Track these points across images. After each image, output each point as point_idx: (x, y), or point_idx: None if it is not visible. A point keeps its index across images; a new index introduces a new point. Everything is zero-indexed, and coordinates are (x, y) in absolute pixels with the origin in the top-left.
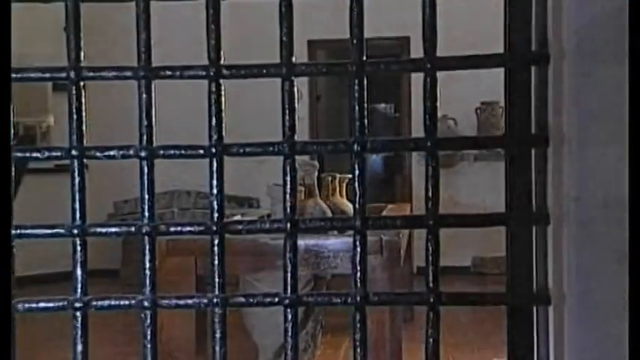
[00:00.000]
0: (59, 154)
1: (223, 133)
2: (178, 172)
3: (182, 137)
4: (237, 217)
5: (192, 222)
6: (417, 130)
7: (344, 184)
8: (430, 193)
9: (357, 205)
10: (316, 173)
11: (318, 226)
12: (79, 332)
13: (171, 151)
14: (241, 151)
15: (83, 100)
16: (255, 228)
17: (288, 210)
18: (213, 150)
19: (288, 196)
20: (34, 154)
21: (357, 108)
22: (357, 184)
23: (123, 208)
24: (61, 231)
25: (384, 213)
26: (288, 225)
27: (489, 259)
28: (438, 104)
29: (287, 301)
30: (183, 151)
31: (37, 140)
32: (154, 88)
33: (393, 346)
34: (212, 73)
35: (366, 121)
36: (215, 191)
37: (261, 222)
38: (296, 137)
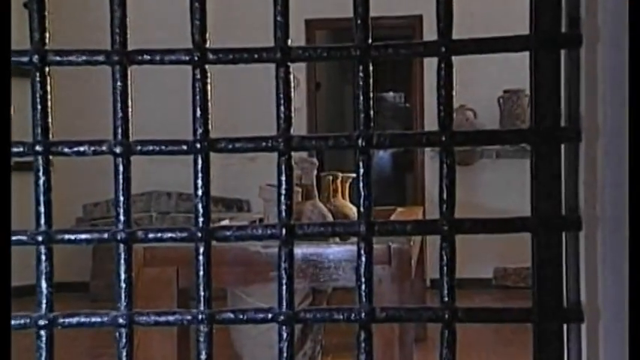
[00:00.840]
0: (21, 149)
1: (209, 127)
2: (157, 171)
3: (162, 131)
4: (225, 222)
5: (174, 227)
6: (431, 123)
7: (347, 185)
8: (445, 195)
9: (361, 208)
10: (315, 172)
11: (318, 232)
12: (44, 354)
13: (150, 147)
14: (230, 146)
15: (49, 88)
16: (245, 234)
17: (283, 214)
18: (198, 145)
19: (283, 198)
20: None
21: (361, 98)
22: (361, 185)
23: (93, 212)
24: (23, 238)
25: (393, 217)
26: (283, 231)
27: (513, 271)
28: (454, 93)
29: (282, 318)
30: (163, 147)
31: None
32: (130, 74)
33: None
34: (196, 58)
35: (372, 112)
36: (200, 192)
37: (253, 228)
38: (292, 131)
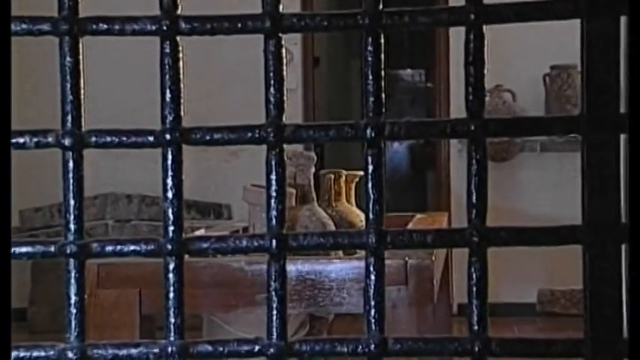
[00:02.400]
0: None
1: (182, 113)
2: (115, 169)
3: (123, 119)
4: (201, 232)
5: (137, 239)
6: (458, 108)
7: (352, 185)
8: (474, 198)
9: (370, 215)
10: (313, 170)
11: (316, 243)
12: None
13: (107, 138)
14: (207, 137)
15: None
16: (226, 247)
17: (274, 221)
18: (168, 136)
19: (273, 202)
20: None
21: (370, 77)
22: (370, 185)
23: (33, 220)
24: None
25: (411, 225)
26: (273, 242)
27: (562, 294)
28: (487, 70)
29: (271, 351)
30: (124, 138)
31: None
32: (82, 48)
33: None
34: (165, 27)
35: (383, 95)
36: (170, 194)
37: (235, 238)
38: (285, 118)
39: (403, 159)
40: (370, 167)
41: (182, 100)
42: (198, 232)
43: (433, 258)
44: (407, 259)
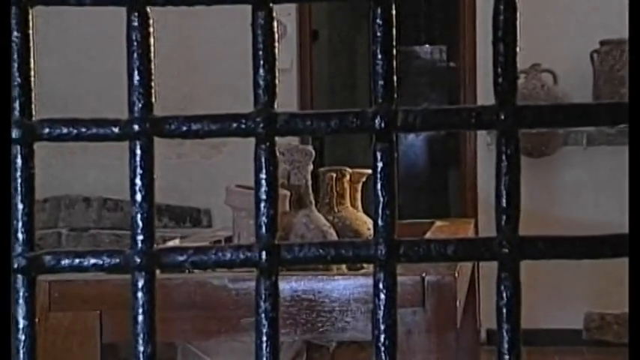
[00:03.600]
0: None
1: (153, 100)
2: (70, 167)
3: (82, 106)
4: (175, 243)
5: (99, 250)
6: (486, 92)
7: (358, 186)
8: (505, 201)
9: (380, 221)
10: (311, 167)
11: (315, 256)
12: None
13: (63, 130)
14: (184, 128)
15: None
16: (206, 260)
17: (263, 229)
18: (136, 127)
19: (262, 206)
20: None
21: (380, 55)
22: (380, 186)
23: None
24: None
25: (429, 235)
26: (263, 255)
27: (615, 319)
28: (521, 48)
29: None
30: (83, 130)
31: None
32: (33, 19)
33: None
34: None
35: (395, 77)
36: (139, 197)
37: (217, 250)
38: (276, 105)
39: (420, 154)
40: (380, 164)
41: (153, 84)
42: (171, 243)
43: (456, 274)
44: (424, 275)
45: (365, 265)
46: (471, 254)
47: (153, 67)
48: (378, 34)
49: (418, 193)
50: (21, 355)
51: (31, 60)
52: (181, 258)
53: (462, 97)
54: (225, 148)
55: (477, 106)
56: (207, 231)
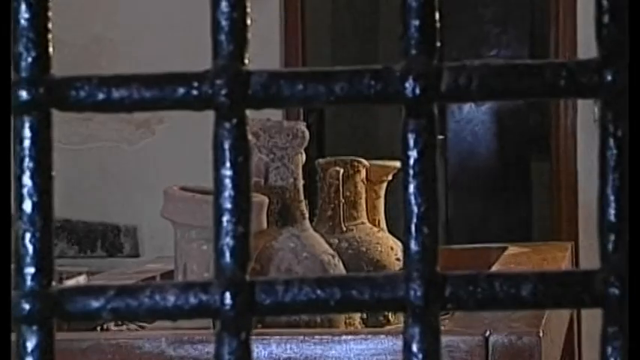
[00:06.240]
0: None
1: (50, 50)
2: None
3: None
4: (79, 281)
5: None
6: (586, 40)
7: (380, 189)
8: (613, 212)
9: (414, 245)
10: (303, 157)
11: (309, 300)
12: None
13: None
14: (99, 96)
15: None
16: (134, 308)
17: (227, 258)
18: (24, 94)
19: (224, 221)
20: None
21: None
22: (414, 188)
23: None
24: None
25: (497, 267)
26: (226, 298)
27: None
28: None
29: None
30: None
31: None
32: None
33: None
34: None
35: (437, 14)
36: (28, 206)
37: (151, 291)
38: (247, 60)
39: (482, 139)
40: (413, 154)
41: (50, 25)
42: (73, 282)
43: (540, 331)
44: (488, 333)
45: (391, 318)
46: (561, 298)
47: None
48: None
49: (480, 200)
50: None
51: None
52: (96, 304)
53: (551, 45)
54: (160, 127)
55: (571, 60)
56: (131, 262)
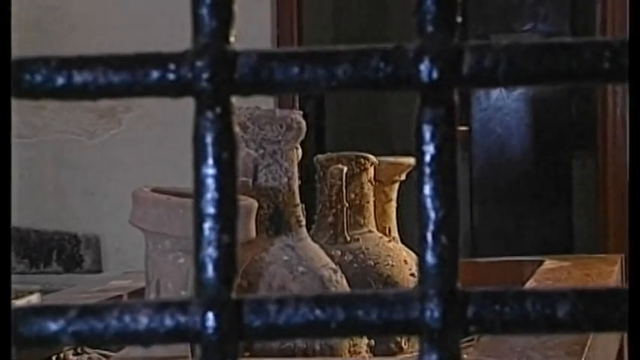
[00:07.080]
0: None
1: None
2: None
3: None
4: (31, 300)
5: None
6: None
7: (392, 190)
8: None
9: (431, 257)
10: (299, 152)
11: (306, 322)
12: None
13: None
14: (59, 81)
15: None
16: (100, 331)
17: (209, 272)
18: None
19: (206, 229)
20: None
21: None
22: (430, 189)
23: None
24: None
25: (531, 284)
26: (209, 320)
27: None
28: None
29: None
30: None
31: None
32: None
33: None
34: None
35: None
36: None
37: (122, 311)
38: (232, 37)
39: (514, 132)
40: (429, 148)
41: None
42: (24, 301)
43: None
44: None
45: (403, 344)
46: (606, 320)
47: None
48: None
49: (511, 205)
50: None
51: None
52: (54, 326)
53: (597, 19)
54: (128, 116)
55: (617, 39)
56: (93, 278)
